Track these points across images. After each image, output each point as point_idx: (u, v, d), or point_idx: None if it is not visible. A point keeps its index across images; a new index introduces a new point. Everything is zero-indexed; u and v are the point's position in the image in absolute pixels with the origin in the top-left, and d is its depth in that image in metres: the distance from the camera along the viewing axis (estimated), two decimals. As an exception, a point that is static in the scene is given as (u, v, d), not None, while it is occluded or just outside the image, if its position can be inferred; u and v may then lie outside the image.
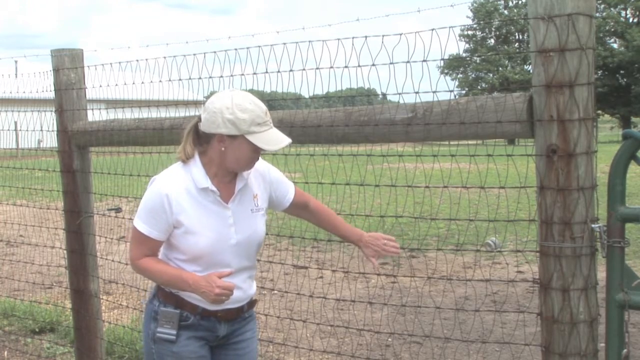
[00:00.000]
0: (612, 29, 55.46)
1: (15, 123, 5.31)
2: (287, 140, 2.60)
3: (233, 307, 2.75)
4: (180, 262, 2.66)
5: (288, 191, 2.90)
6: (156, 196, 2.59)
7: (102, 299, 4.61)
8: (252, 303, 2.87)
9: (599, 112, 53.87)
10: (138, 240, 2.65)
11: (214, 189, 2.62)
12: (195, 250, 2.61)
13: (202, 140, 2.64)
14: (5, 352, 5.39)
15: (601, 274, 2.36)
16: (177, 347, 2.67)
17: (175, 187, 2.59)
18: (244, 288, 2.75)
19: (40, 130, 4.78)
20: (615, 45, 56.01)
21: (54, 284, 6.85)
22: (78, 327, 4.44)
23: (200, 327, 2.70)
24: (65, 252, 4.48)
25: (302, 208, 2.97)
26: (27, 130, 4.94)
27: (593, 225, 2.33)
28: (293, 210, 2.97)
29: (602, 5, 54.60)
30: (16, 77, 5.11)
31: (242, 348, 2.85)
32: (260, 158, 2.74)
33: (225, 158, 2.59)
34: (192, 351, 2.69)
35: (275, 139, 2.58)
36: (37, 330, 5.80)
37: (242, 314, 2.81)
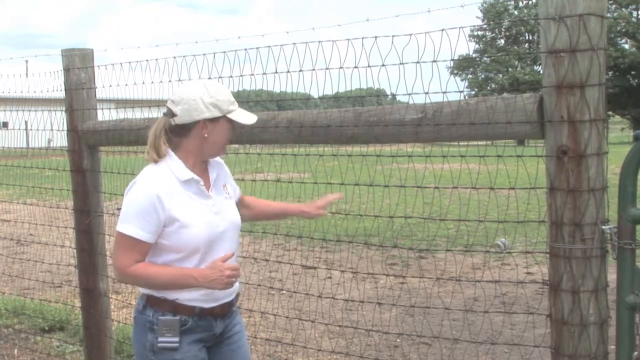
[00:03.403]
0: (624, 30, 55.17)
1: (26, 122, 5.34)
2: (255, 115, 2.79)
3: (227, 301, 2.77)
4: (174, 263, 2.64)
5: (237, 188, 3.01)
6: (146, 197, 2.57)
7: (112, 298, 4.63)
8: (237, 296, 2.90)
9: (610, 113, 53.62)
10: (127, 247, 2.59)
11: (198, 178, 2.67)
12: (192, 244, 2.60)
13: (175, 135, 2.67)
14: (15, 350, 5.42)
15: (611, 276, 2.35)
16: (180, 354, 2.65)
17: (162, 184, 2.60)
18: None
19: (51, 129, 4.79)
20: (626, 46, 55.73)
21: (64, 283, 6.88)
22: (87, 326, 4.45)
23: (199, 329, 2.69)
24: (74, 251, 4.50)
25: (244, 206, 3.05)
26: (37, 129, 4.96)
27: (603, 227, 2.32)
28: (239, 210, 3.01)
29: (614, 6, 54.32)
30: (27, 76, 5.13)
31: (234, 342, 2.87)
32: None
33: (206, 144, 2.66)
34: (194, 356, 2.68)
35: (248, 114, 2.73)
36: (46, 328, 5.83)
37: (232, 308, 2.84)
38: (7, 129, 5.82)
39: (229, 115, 2.65)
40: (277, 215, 3.21)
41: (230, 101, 2.66)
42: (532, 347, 2.92)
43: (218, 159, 2.91)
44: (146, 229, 2.57)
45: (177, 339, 2.64)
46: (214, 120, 2.62)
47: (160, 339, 2.64)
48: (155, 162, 2.67)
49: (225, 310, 2.78)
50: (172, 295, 2.65)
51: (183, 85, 2.72)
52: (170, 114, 2.64)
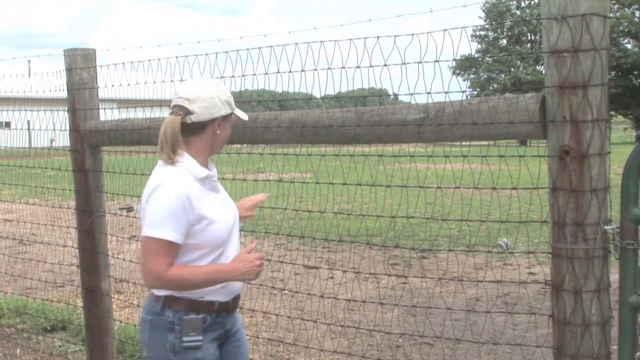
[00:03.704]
0: (626, 29, 55.10)
1: (28, 122, 5.34)
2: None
3: (238, 295, 2.83)
4: (197, 262, 2.65)
5: None
6: (176, 198, 2.55)
7: (114, 297, 4.63)
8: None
9: (612, 113, 53.58)
10: (160, 251, 2.54)
11: (212, 173, 2.73)
12: (218, 239, 2.65)
13: (187, 134, 2.68)
14: (18, 350, 5.43)
15: (614, 276, 2.34)
16: (202, 352, 2.67)
17: (187, 184, 2.60)
18: None
19: (53, 129, 4.80)
20: (629, 46, 55.63)
21: (66, 283, 6.89)
22: (89, 326, 4.45)
23: (215, 326, 2.73)
24: (77, 250, 4.50)
25: None
26: (39, 129, 4.97)
27: (606, 227, 2.31)
28: None
29: (616, 5, 54.25)
30: (29, 76, 5.14)
31: (238, 339, 2.90)
32: None
33: (216, 141, 2.73)
34: (212, 353, 2.72)
35: (242, 112, 2.86)
36: (48, 328, 5.84)
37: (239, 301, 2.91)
38: (10, 129, 5.83)
39: (235, 112, 2.76)
40: None
41: (232, 98, 2.76)
42: (534, 348, 2.92)
43: None
44: (178, 231, 2.55)
45: (201, 338, 2.66)
46: (226, 117, 2.71)
47: (185, 339, 2.64)
48: (173, 162, 2.64)
49: (236, 304, 2.84)
50: (196, 294, 2.65)
51: (190, 84, 2.71)
52: (185, 112, 2.63)
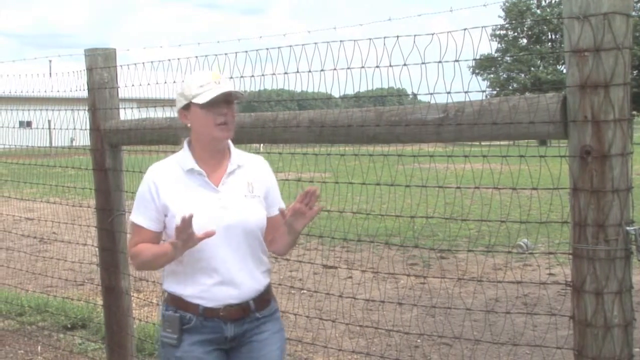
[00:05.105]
0: (648, 28, 54.45)
1: (49, 121, 5.39)
2: (225, 87, 2.63)
3: (234, 304, 2.66)
4: (183, 256, 2.66)
5: (278, 204, 2.83)
6: (144, 184, 2.73)
7: (133, 296, 4.65)
8: (261, 303, 2.76)
9: (634, 112, 52.94)
10: (132, 232, 2.78)
11: (200, 169, 2.70)
12: None
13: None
14: (39, 347, 5.48)
15: (636, 278, 2.32)
16: (180, 352, 2.66)
17: (162, 173, 2.72)
18: (238, 283, 2.66)
19: (74, 128, 4.84)
20: (651, 45, 54.95)
21: (86, 281, 6.93)
22: (109, 324, 4.48)
23: (205, 330, 2.66)
24: (97, 249, 4.53)
25: (275, 229, 2.83)
26: (60, 128, 5.01)
27: (628, 228, 2.29)
28: (269, 230, 2.81)
29: (639, 4, 53.65)
30: (50, 76, 5.18)
31: (256, 349, 2.73)
32: (264, 159, 2.87)
33: (194, 132, 2.74)
34: (197, 357, 2.64)
35: (212, 91, 2.61)
36: (69, 326, 5.89)
37: (249, 314, 2.71)
38: (31, 128, 5.88)
39: (193, 101, 2.65)
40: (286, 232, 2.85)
41: (195, 86, 2.65)
42: (554, 349, 2.89)
43: (261, 158, 2.90)
44: (145, 215, 2.70)
45: (175, 336, 2.66)
46: (186, 108, 2.72)
47: (162, 333, 2.71)
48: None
49: (235, 315, 2.68)
50: (177, 290, 2.71)
51: None
52: None
